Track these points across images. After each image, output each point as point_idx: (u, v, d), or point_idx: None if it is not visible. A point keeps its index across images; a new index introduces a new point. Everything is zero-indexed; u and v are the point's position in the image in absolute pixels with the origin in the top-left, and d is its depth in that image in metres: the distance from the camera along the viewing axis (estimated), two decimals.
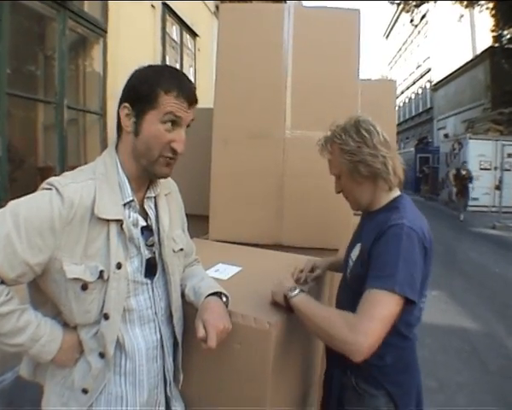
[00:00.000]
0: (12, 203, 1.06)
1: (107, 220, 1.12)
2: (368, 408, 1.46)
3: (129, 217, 1.20)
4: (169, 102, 1.15)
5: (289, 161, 2.48)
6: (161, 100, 1.14)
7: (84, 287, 1.10)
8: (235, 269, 1.83)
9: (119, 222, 1.15)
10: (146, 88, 1.15)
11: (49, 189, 1.08)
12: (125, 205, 1.19)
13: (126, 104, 1.17)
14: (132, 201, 1.22)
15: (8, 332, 1.06)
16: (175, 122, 1.17)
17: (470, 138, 16.84)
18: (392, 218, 1.38)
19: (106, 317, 1.13)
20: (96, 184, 1.13)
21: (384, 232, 1.35)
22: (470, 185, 15.22)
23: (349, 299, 1.43)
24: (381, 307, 1.24)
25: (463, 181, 15.07)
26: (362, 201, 1.57)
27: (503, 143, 14.82)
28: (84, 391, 1.16)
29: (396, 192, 1.54)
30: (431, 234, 1.42)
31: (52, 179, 1.10)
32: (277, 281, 1.51)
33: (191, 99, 1.20)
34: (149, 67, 1.21)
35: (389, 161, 1.46)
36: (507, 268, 7.69)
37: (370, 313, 1.23)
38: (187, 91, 1.18)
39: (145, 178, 1.26)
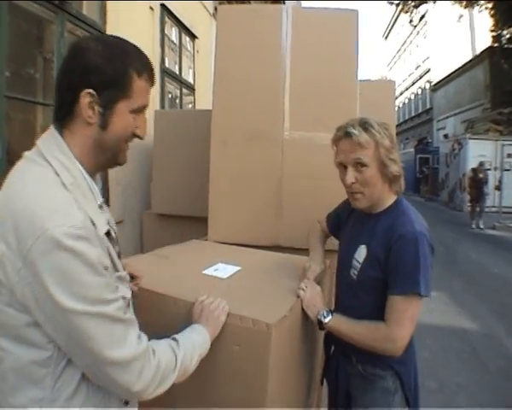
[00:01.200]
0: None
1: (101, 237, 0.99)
2: (377, 390, 1.57)
3: (108, 223, 1.05)
4: (141, 91, 1.03)
5: (288, 162, 2.48)
6: (134, 86, 1.00)
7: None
8: (234, 268, 1.84)
9: (107, 233, 1.02)
10: (114, 70, 0.98)
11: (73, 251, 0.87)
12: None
13: (90, 91, 0.96)
14: (104, 202, 1.08)
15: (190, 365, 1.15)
16: (142, 110, 1.07)
17: (470, 139, 16.84)
18: (403, 223, 1.48)
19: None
20: (75, 201, 0.94)
21: (399, 239, 1.45)
22: (485, 189, 13.25)
23: (356, 298, 1.59)
24: (410, 311, 1.44)
25: (479, 184, 13.18)
26: (373, 198, 1.56)
27: (503, 143, 14.82)
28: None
29: (395, 195, 1.60)
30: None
31: (61, 237, 0.85)
32: (310, 295, 1.58)
33: (154, 81, 1.09)
34: (104, 40, 1.05)
35: (401, 166, 1.55)
36: (506, 269, 7.68)
37: (401, 319, 1.43)
38: (153, 72, 1.08)
39: (102, 170, 1.12)
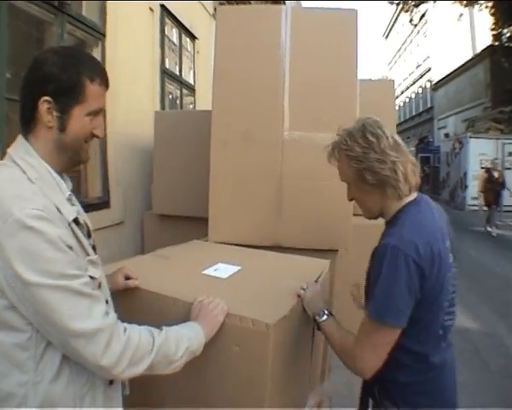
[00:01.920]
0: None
1: (69, 223, 1.08)
2: None
3: (77, 213, 1.16)
4: (95, 95, 1.13)
5: (288, 162, 2.48)
6: (88, 92, 1.11)
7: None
8: (234, 268, 1.85)
9: (76, 220, 1.12)
10: (69, 78, 1.08)
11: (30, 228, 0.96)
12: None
13: (47, 98, 1.07)
14: (71, 195, 1.19)
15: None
16: (98, 112, 1.17)
17: (471, 137, 16.82)
18: (386, 234, 1.37)
19: None
20: (40, 190, 1.05)
21: (374, 253, 1.36)
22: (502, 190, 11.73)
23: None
24: (371, 336, 1.30)
25: (496, 186, 11.48)
26: (372, 210, 1.48)
27: (504, 141, 14.85)
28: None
29: (407, 198, 1.42)
30: (437, 247, 1.31)
31: (25, 218, 0.95)
32: (311, 294, 1.56)
33: (108, 84, 1.19)
34: (59, 51, 1.13)
35: (399, 166, 1.36)
36: (508, 267, 7.67)
37: (362, 341, 1.31)
38: (106, 76, 1.17)
39: (68, 168, 1.20)
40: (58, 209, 1.05)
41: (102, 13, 3.90)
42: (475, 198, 15.77)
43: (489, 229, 11.44)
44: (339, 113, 2.43)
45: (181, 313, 1.43)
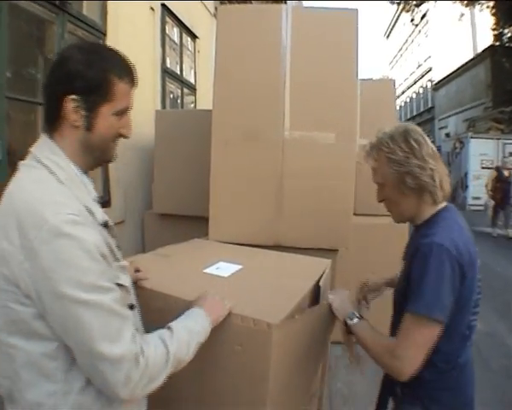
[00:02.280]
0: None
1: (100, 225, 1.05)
2: None
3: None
4: (123, 93, 1.09)
5: (288, 161, 2.48)
6: (116, 90, 1.06)
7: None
8: (235, 267, 1.84)
9: (106, 223, 1.08)
10: (96, 75, 1.04)
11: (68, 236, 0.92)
12: None
13: (73, 96, 1.02)
14: (97, 197, 1.14)
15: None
16: (125, 111, 1.13)
17: (471, 137, 16.78)
18: (426, 234, 1.38)
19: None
20: (71, 193, 1.01)
21: (416, 252, 1.37)
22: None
23: (396, 315, 1.51)
24: (415, 332, 1.30)
25: (504, 184, 11.00)
26: (405, 213, 1.52)
27: (505, 141, 14.81)
28: None
29: (441, 205, 1.47)
30: (471, 249, 1.37)
31: (60, 225, 0.91)
32: (340, 299, 1.58)
33: (137, 82, 1.14)
34: (85, 47, 1.10)
35: (436, 173, 1.42)
36: (509, 267, 7.67)
37: (406, 339, 1.31)
38: (135, 74, 1.13)
39: (92, 168, 1.16)
40: (90, 211, 1.02)
41: (103, 12, 3.91)
42: (476, 198, 15.78)
43: (499, 231, 10.92)
44: (339, 112, 2.44)
45: (182, 312, 1.42)
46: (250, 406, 1.33)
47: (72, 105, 1.03)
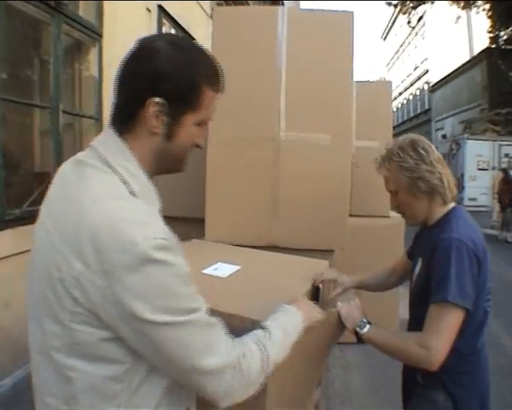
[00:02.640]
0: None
1: None
2: (424, 399, 1.58)
3: None
4: (210, 102, 0.97)
5: (284, 162, 2.48)
6: (203, 98, 0.94)
7: None
8: (234, 268, 1.84)
9: None
10: (186, 79, 0.91)
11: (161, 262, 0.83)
12: None
13: (158, 100, 0.89)
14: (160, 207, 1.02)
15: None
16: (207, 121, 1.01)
17: (468, 139, 16.87)
18: (443, 231, 1.49)
19: None
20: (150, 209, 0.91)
21: (436, 247, 1.47)
22: None
23: (418, 312, 1.57)
24: (443, 320, 1.39)
25: (511, 187, 10.75)
26: (418, 215, 1.64)
27: (500, 143, 14.88)
28: None
29: (450, 205, 1.61)
30: (483, 243, 1.50)
31: (150, 251, 0.81)
32: (349, 307, 1.65)
33: (223, 89, 1.01)
34: (175, 42, 0.95)
35: (444, 176, 1.56)
36: (504, 267, 7.69)
37: (435, 328, 1.40)
38: (223, 80, 1.00)
39: (157, 175, 1.04)
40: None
41: (99, 13, 3.91)
42: (472, 199, 15.86)
43: (508, 235, 10.60)
44: (334, 113, 2.45)
45: None
46: (248, 408, 1.33)
47: (154, 109, 0.90)
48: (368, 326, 1.57)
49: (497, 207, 11.51)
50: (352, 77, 2.53)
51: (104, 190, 0.86)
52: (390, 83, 4.49)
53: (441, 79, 27.36)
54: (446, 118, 25.85)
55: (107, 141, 0.95)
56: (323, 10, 2.65)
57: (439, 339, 1.39)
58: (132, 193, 0.89)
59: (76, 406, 0.88)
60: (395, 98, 38.85)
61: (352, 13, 2.53)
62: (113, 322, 0.83)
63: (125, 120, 0.94)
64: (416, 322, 1.54)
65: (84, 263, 0.81)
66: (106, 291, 0.80)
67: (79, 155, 0.96)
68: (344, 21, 2.53)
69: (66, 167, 0.97)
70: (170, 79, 0.89)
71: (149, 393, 0.90)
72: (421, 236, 1.77)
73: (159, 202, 0.99)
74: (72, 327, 0.84)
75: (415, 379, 1.63)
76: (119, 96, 0.95)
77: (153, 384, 0.91)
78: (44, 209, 0.96)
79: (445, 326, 1.39)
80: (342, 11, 2.59)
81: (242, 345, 0.99)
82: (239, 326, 1.34)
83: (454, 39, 26.64)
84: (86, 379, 0.86)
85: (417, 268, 1.65)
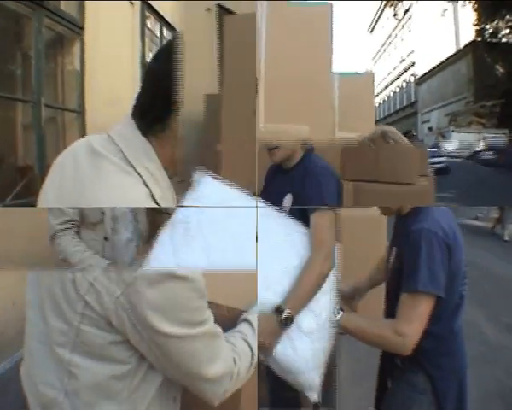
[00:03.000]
0: None
1: None
2: (404, 381, 1.60)
3: None
4: None
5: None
6: None
7: None
8: None
9: None
10: None
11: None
12: None
13: None
14: None
15: None
16: None
17: (453, 131, 17.03)
18: (415, 221, 1.52)
19: None
20: None
21: (407, 238, 1.51)
22: None
23: (393, 301, 1.59)
24: (415, 308, 1.44)
25: None
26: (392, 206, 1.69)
27: (485, 135, 15.01)
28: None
29: None
30: (454, 226, 1.53)
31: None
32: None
33: None
34: None
35: None
36: (487, 258, 7.81)
37: (408, 315, 1.44)
38: None
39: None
40: None
41: (81, 7, 3.89)
42: None
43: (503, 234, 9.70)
44: (314, 105, 2.47)
45: None
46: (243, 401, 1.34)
47: None
48: (340, 314, 1.57)
49: None
50: (332, 68, 2.56)
51: (124, 195, 0.83)
52: (372, 75, 4.53)
53: (427, 72, 27.49)
54: (432, 111, 26.02)
55: (129, 136, 0.90)
56: (302, 2, 2.66)
57: (412, 326, 1.43)
58: (153, 198, 0.87)
59: (76, 400, 0.89)
60: (382, 91, 39.01)
61: (331, 4, 2.56)
62: (125, 328, 0.83)
63: (153, 121, 0.90)
64: (392, 310, 1.57)
65: (106, 275, 0.81)
66: (121, 299, 0.81)
67: (94, 141, 0.91)
68: (323, 13, 2.55)
69: (79, 151, 0.91)
70: None
71: (147, 389, 0.92)
72: (397, 225, 1.79)
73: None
74: (80, 328, 0.85)
75: (393, 363, 1.65)
76: (152, 95, 0.90)
77: (150, 381, 0.92)
78: (53, 193, 0.92)
79: (417, 314, 1.43)
80: (321, 2, 2.60)
81: (236, 348, 1.02)
82: (226, 316, 1.35)
83: (440, 32, 26.77)
84: (90, 377, 0.87)
85: (391, 258, 1.68)
